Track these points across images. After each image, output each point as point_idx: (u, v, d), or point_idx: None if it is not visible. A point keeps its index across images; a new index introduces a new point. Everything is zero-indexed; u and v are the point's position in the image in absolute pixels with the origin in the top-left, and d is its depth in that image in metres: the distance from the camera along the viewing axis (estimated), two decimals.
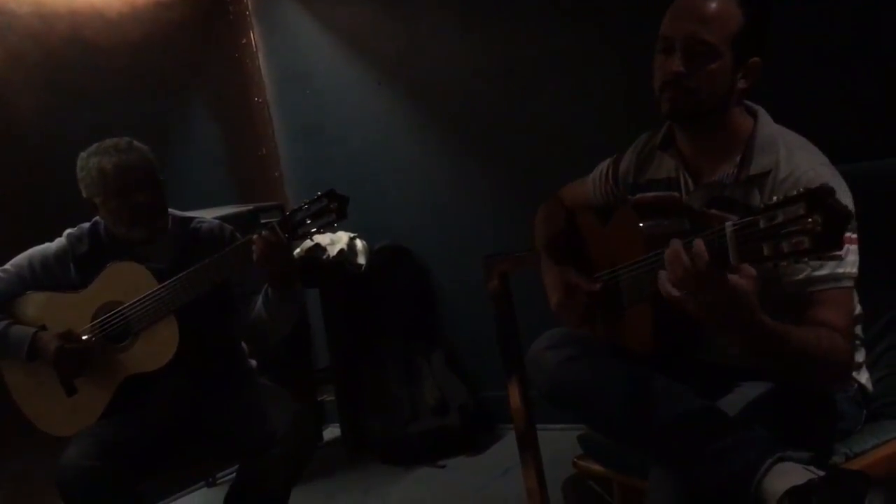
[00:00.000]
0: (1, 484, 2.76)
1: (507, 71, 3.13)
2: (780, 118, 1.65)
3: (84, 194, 2.15)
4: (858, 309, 1.59)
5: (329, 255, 3.30)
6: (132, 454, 2.03)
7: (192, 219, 2.28)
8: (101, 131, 2.22)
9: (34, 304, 2.19)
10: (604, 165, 1.92)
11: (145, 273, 2.09)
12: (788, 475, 1.35)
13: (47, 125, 2.93)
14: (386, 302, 3.44)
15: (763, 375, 1.56)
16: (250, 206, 3.12)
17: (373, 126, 3.50)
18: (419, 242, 3.44)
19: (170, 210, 2.23)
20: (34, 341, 2.11)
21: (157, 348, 2.07)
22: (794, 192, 1.14)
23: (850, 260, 1.47)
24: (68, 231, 2.23)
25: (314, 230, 1.94)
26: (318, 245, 3.29)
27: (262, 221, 2.76)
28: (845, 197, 1.48)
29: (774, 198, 1.17)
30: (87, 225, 2.23)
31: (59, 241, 2.22)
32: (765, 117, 1.64)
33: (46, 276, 2.19)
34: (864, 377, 1.64)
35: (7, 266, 2.22)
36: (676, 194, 1.68)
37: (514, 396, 2.39)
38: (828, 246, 1.11)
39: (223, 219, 2.35)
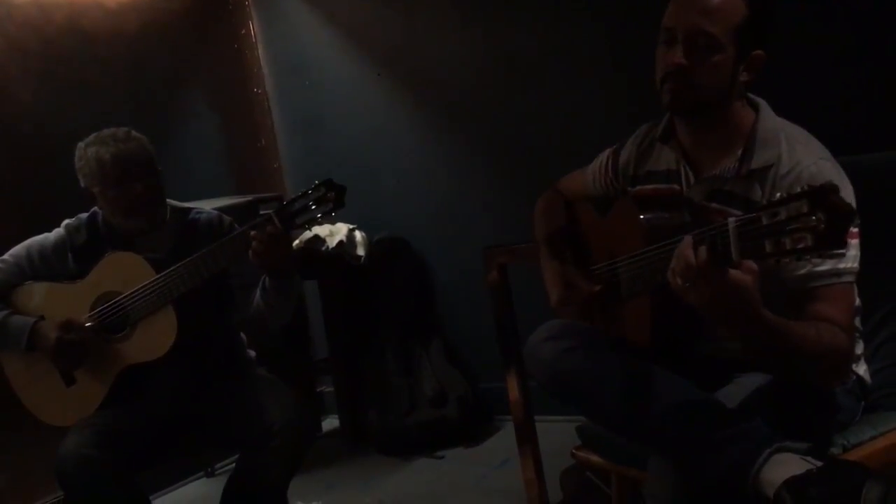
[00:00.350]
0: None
1: (507, 62, 3.12)
2: (781, 110, 1.64)
3: (82, 184, 2.15)
4: (857, 301, 1.58)
5: (328, 247, 3.29)
6: (131, 444, 2.04)
7: (190, 209, 2.27)
8: (99, 121, 2.21)
9: (33, 294, 2.19)
10: (604, 156, 1.91)
11: (143, 263, 2.09)
12: (786, 465, 1.35)
13: (45, 115, 2.92)
14: (385, 293, 3.44)
15: (761, 368, 1.55)
16: (249, 197, 3.12)
17: (372, 117, 3.49)
18: (418, 234, 3.44)
19: (168, 200, 2.22)
20: (33, 332, 2.11)
21: (155, 338, 2.07)
22: (798, 189, 1.13)
23: (851, 255, 1.46)
24: (66, 221, 2.23)
25: (312, 218, 1.93)
26: (316, 237, 3.29)
27: (261, 212, 2.76)
28: (847, 191, 1.48)
29: (777, 194, 1.16)
30: (85, 215, 2.22)
31: (58, 232, 2.22)
32: (766, 110, 1.63)
33: (45, 267, 2.19)
34: (862, 369, 1.64)
35: (5, 256, 2.21)
36: (677, 187, 1.67)
37: (513, 388, 2.39)
38: (831, 244, 1.10)
39: (222, 209, 2.34)
